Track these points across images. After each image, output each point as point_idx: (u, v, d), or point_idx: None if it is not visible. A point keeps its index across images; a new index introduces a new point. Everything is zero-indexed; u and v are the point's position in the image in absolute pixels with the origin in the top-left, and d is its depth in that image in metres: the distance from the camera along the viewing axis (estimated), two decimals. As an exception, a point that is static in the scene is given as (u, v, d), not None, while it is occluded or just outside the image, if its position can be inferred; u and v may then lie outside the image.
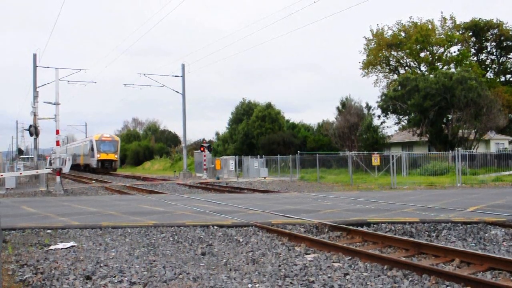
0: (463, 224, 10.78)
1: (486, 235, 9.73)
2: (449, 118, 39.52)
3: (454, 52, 53.73)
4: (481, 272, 6.93)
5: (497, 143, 47.24)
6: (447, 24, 55.12)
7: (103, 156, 53.07)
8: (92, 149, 54.24)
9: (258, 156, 41.00)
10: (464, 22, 56.87)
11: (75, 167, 62.11)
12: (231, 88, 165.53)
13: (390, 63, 57.21)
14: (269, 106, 59.49)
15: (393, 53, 55.14)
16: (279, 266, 7.47)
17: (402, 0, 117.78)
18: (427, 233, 10.14)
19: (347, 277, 6.67)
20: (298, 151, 37.77)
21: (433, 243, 8.91)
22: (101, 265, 7.40)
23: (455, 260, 7.63)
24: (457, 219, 11.15)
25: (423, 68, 54.09)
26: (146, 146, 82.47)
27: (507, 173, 29.61)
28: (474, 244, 9.04)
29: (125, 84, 40.13)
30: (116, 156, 54.46)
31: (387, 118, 43.78)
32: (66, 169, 26.38)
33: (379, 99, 43.51)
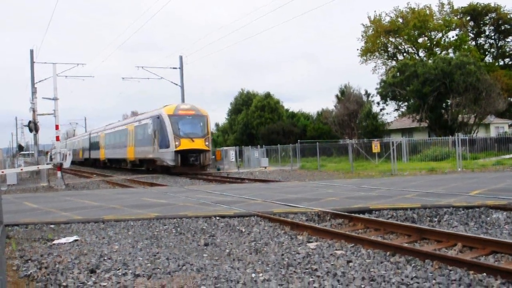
0: (464, 208, 10.80)
1: (488, 219, 9.76)
2: (449, 103, 39.50)
3: (453, 37, 53.54)
4: (484, 256, 6.94)
5: (497, 127, 47.25)
6: (444, 9, 54.86)
7: (186, 145, 30.11)
8: (162, 131, 30.79)
9: (258, 146, 41.02)
10: (462, 7, 56.62)
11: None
12: (229, 80, 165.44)
13: (389, 49, 56.99)
14: (268, 95, 59.46)
15: (391, 39, 54.91)
16: (282, 255, 7.48)
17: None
18: (429, 218, 10.16)
19: (350, 264, 6.69)
20: (298, 140, 37.78)
21: (435, 228, 8.94)
22: (105, 258, 7.42)
23: (458, 244, 7.64)
24: (459, 204, 11.17)
25: (421, 54, 53.92)
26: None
27: (507, 156, 29.66)
28: (476, 229, 9.06)
29: (123, 78, 39.75)
30: (207, 143, 31.22)
31: (387, 105, 43.81)
32: (66, 164, 26.38)
33: (378, 86, 43.47)
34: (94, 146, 51.36)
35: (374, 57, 57.49)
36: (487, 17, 56.93)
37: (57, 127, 26.62)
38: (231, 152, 38.16)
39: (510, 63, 59.20)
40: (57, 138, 26.77)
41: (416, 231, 8.56)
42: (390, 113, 52.65)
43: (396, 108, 45.02)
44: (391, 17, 55.14)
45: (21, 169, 29.64)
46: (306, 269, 6.46)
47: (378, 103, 43.94)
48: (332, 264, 6.67)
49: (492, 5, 55.63)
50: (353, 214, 10.42)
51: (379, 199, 12.87)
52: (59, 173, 25.04)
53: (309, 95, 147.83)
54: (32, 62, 34.02)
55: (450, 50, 51.25)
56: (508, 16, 55.53)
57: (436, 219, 10.02)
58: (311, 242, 8.45)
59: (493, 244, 7.27)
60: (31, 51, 34.21)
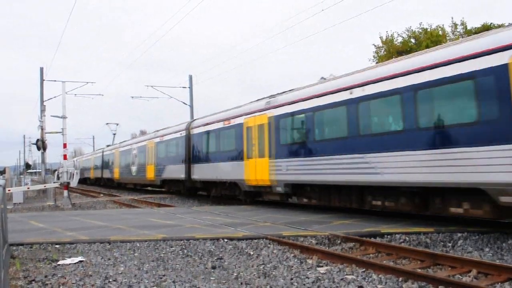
0: (479, 233, 10.53)
1: (504, 244, 9.50)
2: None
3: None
4: (500, 283, 6.75)
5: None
6: (458, 30, 54.91)
7: None
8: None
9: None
10: (475, 27, 56.71)
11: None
12: (237, 99, 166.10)
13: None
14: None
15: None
16: (291, 279, 7.31)
17: (410, 7, 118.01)
18: (442, 243, 9.92)
19: (363, 290, 6.49)
20: None
21: (449, 253, 8.73)
22: (110, 280, 7.27)
23: (472, 271, 7.45)
24: (473, 229, 10.91)
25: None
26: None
27: None
28: (491, 255, 8.82)
29: (132, 97, 40.07)
30: None
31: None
32: (73, 183, 26.32)
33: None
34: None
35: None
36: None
37: (65, 145, 26.62)
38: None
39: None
40: (65, 157, 26.76)
41: (430, 256, 8.37)
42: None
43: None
44: (403, 38, 55.26)
45: (28, 188, 29.66)
46: (317, 295, 6.26)
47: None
48: (343, 290, 6.48)
49: (506, 25, 55.63)
50: (364, 238, 10.21)
51: (390, 222, 12.61)
52: (65, 192, 24.96)
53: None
54: (42, 80, 34.31)
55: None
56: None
57: (450, 244, 9.77)
58: (321, 266, 8.26)
59: (509, 271, 7.10)
60: (41, 69, 34.54)
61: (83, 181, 59.39)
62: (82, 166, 61.03)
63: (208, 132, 22.96)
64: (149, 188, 37.57)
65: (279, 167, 16.71)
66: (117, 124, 48.97)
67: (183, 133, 25.97)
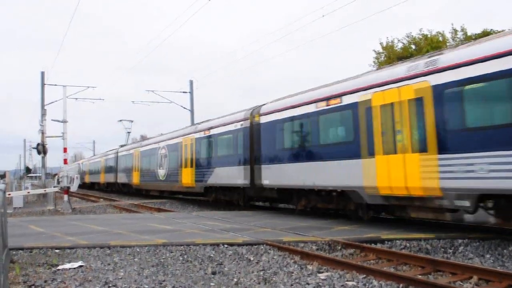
0: (480, 240, 10.51)
1: (505, 251, 9.47)
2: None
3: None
4: (501, 290, 6.71)
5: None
6: (458, 36, 54.95)
7: None
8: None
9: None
10: (476, 34, 56.74)
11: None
12: (239, 104, 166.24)
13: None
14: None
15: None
16: (292, 285, 7.30)
17: (410, 13, 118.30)
18: (443, 249, 9.89)
19: (363, 296, 6.47)
20: None
21: (450, 260, 8.71)
22: (110, 285, 7.25)
23: (473, 277, 7.43)
24: (474, 235, 10.89)
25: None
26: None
27: None
28: (492, 261, 8.80)
29: (133, 101, 39.79)
30: None
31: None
32: (73, 187, 26.31)
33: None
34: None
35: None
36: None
37: (65, 149, 26.63)
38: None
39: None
40: (65, 161, 26.75)
41: (430, 263, 8.35)
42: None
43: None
44: (404, 43, 55.35)
45: (28, 192, 29.64)
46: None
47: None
48: (344, 297, 6.45)
49: (507, 31, 55.68)
50: (364, 244, 10.19)
51: (390, 228, 12.59)
52: (66, 197, 24.93)
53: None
54: (43, 84, 34.32)
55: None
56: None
57: (450, 251, 9.75)
58: (322, 272, 8.23)
59: (510, 278, 7.09)
60: (42, 73, 34.56)
61: (90, 186, 56.10)
62: (90, 169, 56.66)
63: (291, 119, 16.48)
64: (180, 196, 31.95)
65: (468, 167, 10.07)
66: (132, 121, 42.91)
67: (243, 124, 19.66)
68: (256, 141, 18.67)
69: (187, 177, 24.94)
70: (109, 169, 45.26)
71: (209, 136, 22.79)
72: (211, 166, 22.27)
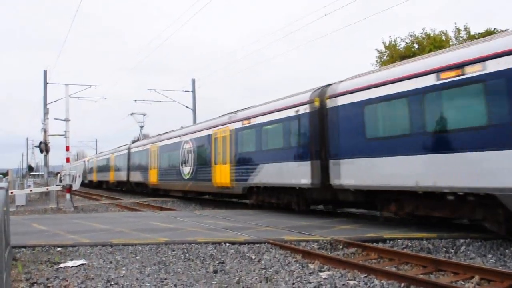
0: (482, 240, 10.50)
1: (507, 251, 9.46)
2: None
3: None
4: (503, 290, 6.70)
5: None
6: (461, 35, 54.81)
7: None
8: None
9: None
10: (479, 33, 56.59)
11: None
12: (240, 101, 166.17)
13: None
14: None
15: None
16: (293, 284, 7.30)
17: (413, 12, 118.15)
18: (445, 249, 9.88)
19: (365, 295, 6.47)
20: None
21: (451, 259, 8.70)
22: (112, 283, 7.27)
23: (475, 277, 7.42)
24: (476, 235, 10.87)
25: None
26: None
27: None
28: (494, 261, 8.79)
29: (135, 100, 39.53)
30: None
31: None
32: (76, 186, 26.35)
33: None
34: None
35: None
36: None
37: (67, 148, 26.66)
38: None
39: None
40: (67, 160, 26.79)
41: (432, 262, 8.34)
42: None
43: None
44: (406, 43, 55.23)
45: (30, 190, 29.72)
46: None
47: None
48: (345, 295, 6.45)
49: (510, 30, 55.49)
50: (366, 243, 10.19)
51: (393, 228, 12.58)
52: (68, 195, 24.97)
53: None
54: (45, 83, 34.39)
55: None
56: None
57: (452, 250, 9.73)
58: (323, 271, 8.23)
59: (512, 278, 7.04)
60: (45, 72, 34.62)
61: (98, 185, 53.52)
62: (97, 167, 52.63)
63: (388, 98, 12.34)
64: (207, 197, 28.18)
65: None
66: (145, 115, 40.22)
67: (306, 109, 15.63)
68: (328, 129, 14.62)
69: (222, 176, 21.25)
70: (120, 167, 41.26)
71: (252, 126, 19.06)
72: (255, 162, 18.63)
